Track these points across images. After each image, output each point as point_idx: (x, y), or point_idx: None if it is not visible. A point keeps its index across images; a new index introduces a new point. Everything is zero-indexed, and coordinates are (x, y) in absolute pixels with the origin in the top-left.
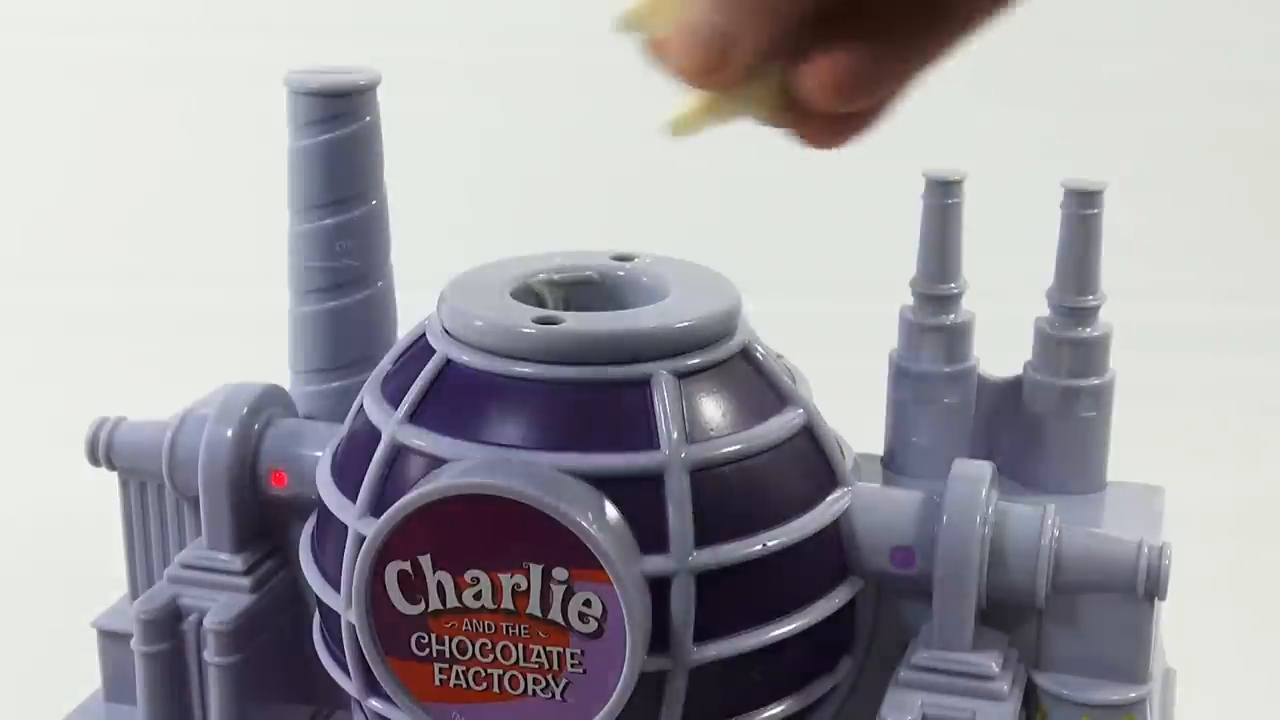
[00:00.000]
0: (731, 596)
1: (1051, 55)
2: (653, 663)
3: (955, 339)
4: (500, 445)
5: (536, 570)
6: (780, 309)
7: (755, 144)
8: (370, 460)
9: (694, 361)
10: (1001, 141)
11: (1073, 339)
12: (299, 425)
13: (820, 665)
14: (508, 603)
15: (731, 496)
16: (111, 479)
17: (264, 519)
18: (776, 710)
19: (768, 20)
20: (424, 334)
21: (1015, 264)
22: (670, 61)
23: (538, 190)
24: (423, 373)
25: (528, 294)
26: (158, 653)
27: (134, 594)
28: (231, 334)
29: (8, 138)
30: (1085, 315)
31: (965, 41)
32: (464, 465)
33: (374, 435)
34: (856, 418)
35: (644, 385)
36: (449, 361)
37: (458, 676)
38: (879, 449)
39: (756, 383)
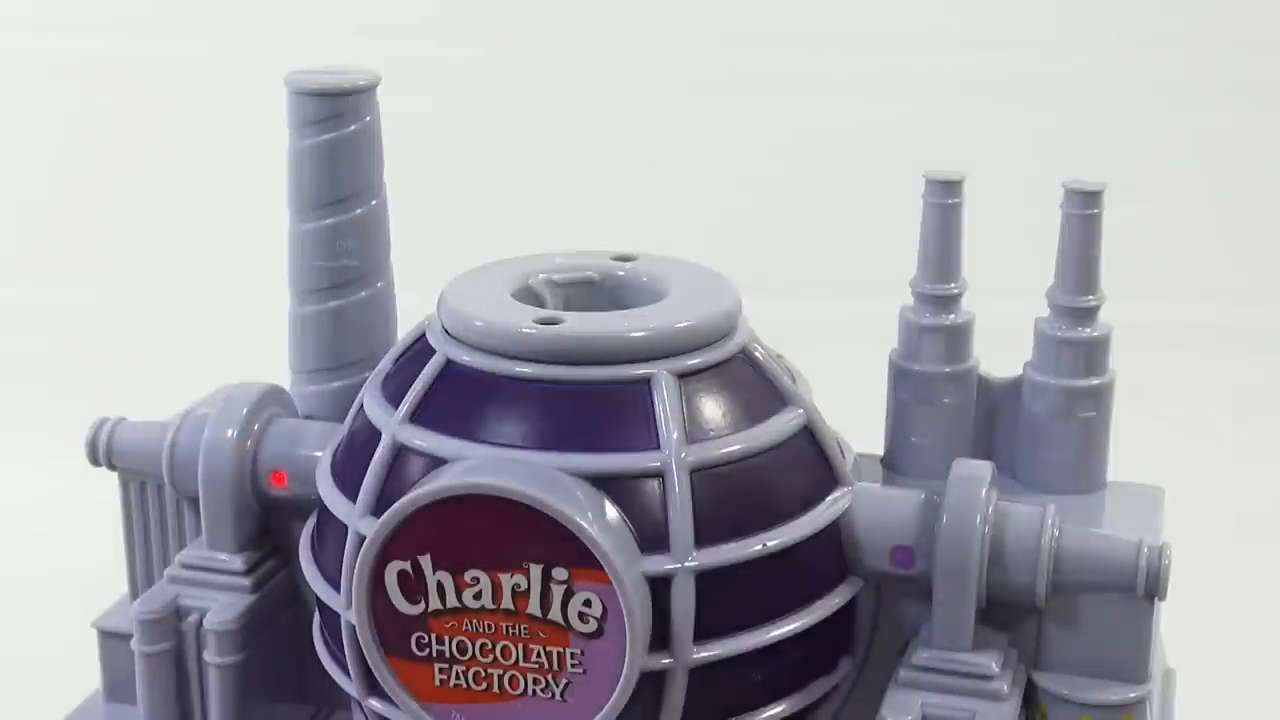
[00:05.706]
0: (731, 596)
1: (1051, 55)
2: (653, 663)
3: (955, 339)
4: (501, 445)
5: (536, 570)
6: (780, 309)
7: (755, 144)
8: (370, 460)
9: (694, 361)
10: (1001, 141)
11: (1073, 339)
12: (299, 425)
13: (820, 665)
14: (508, 603)
15: (731, 496)
16: (111, 479)
17: (264, 519)
18: (776, 710)
19: None
20: (424, 334)
21: (1015, 264)
22: None
23: (538, 190)
24: (423, 373)
25: (528, 294)
26: (158, 653)
27: (134, 594)
28: (231, 334)
29: (7, 137)
30: (1085, 315)
31: None
32: (464, 465)
33: (374, 435)
34: (856, 418)
35: (644, 385)
36: (449, 362)
37: (458, 676)
38: (879, 449)
39: (756, 383)
